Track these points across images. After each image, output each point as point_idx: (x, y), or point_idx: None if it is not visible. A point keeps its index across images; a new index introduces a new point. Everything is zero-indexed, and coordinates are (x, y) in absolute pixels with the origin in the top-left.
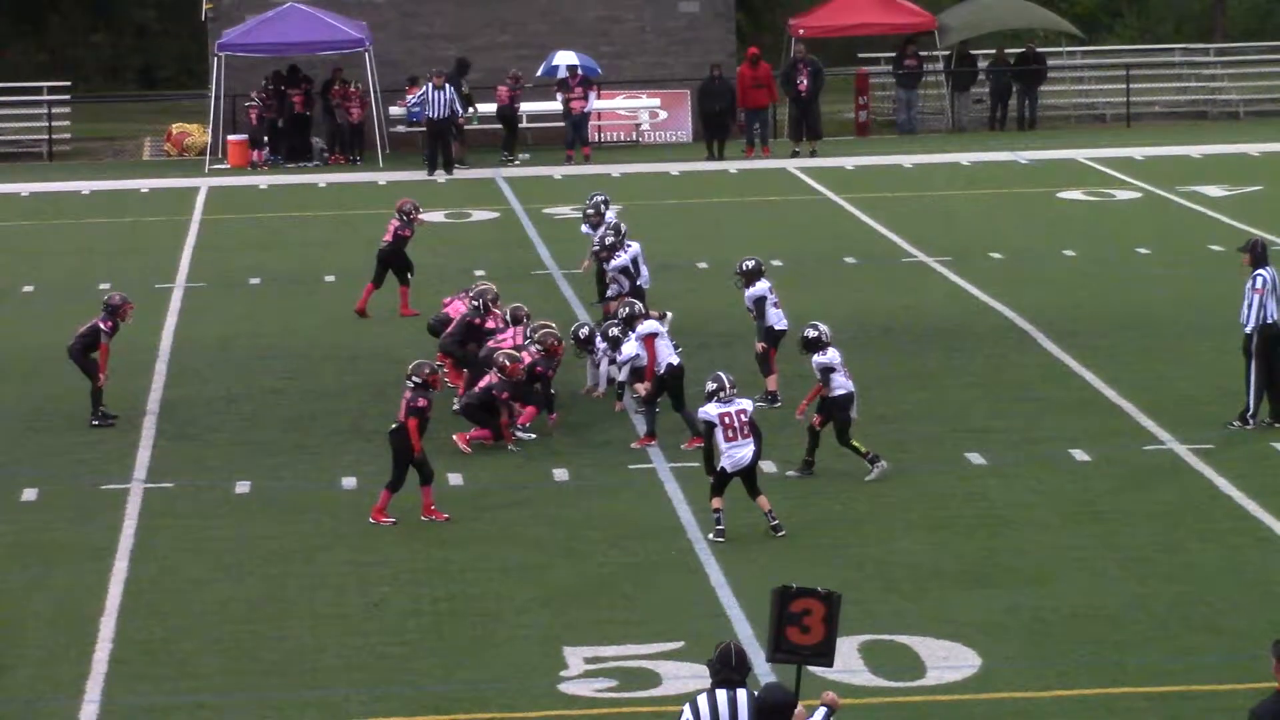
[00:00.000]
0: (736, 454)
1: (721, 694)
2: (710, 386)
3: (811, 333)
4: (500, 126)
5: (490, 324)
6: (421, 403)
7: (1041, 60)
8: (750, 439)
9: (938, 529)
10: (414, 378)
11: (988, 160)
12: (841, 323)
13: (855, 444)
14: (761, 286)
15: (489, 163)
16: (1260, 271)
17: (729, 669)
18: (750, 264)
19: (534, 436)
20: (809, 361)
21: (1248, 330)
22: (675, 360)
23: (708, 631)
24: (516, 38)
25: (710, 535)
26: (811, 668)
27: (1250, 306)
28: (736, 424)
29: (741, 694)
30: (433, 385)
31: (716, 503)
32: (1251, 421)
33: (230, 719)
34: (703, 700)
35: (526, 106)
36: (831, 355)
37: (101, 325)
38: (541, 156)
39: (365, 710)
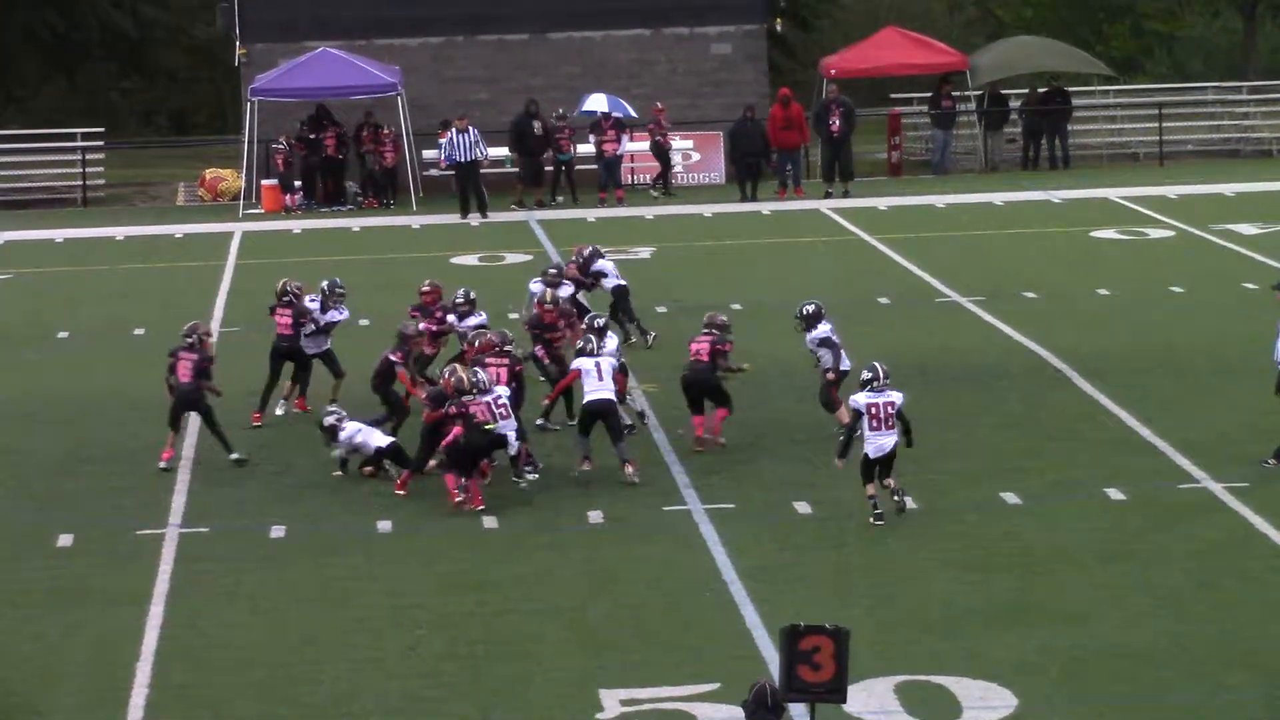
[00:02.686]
0: (879, 441)
1: None
2: (865, 376)
3: (810, 307)
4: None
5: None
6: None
7: (1067, 98)
8: (894, 430)
9: (973, 569)
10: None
11: (1021, 200)
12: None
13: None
14: (824, 329)
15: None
16: None
17: (764, 709)
18: (810, 308)
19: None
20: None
21: None
22: (602, 396)
23: (743, 673)
24: (549, 80)
25: (870, 519)
26: (846, 708)
27: None
28: (883, 415)
29: None
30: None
31: (870, 489)
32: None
33: None
34: None
35: None
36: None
37: (393, 357)
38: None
39: None
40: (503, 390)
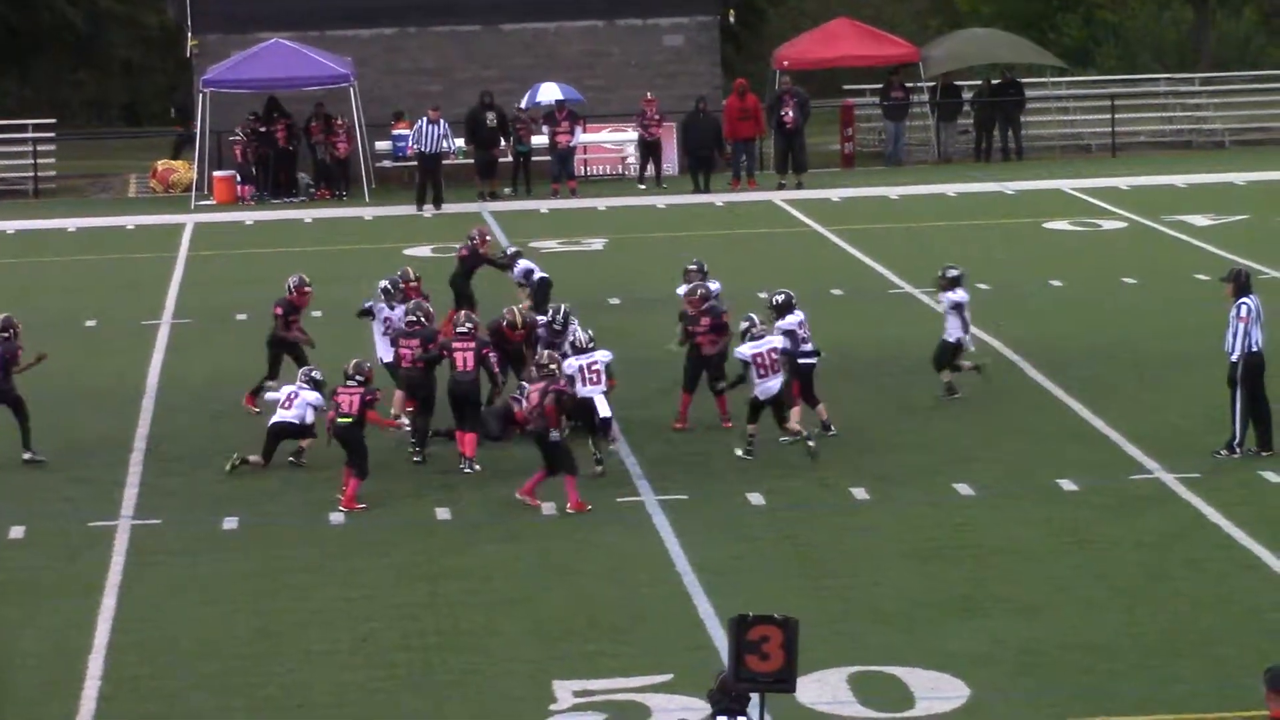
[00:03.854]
0: (766, 385)
1: None
2: (743, 326)
3: (780, 297)
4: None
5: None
6: (370, 398)
7: (1020, 90)
8: (780, 373)
9: (926, 559)
10: (358, 376)
11: (974, 191)
12: (828, 354)
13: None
14: (791, 320)
15: (471, 197)
16: (1244, 300)
17: (729, 698)
18: (781, 297)
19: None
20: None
21: (1233, 359)
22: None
23: (696, 663)
24: (501, 71)
25: (739, 452)
26: (799, 699)
27: (1235, 335)
28: (767, 361)
29: None
30: (369, 379)
31: (751, 428)
32: (1239, 450)
33: None
34: None
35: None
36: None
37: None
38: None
39: None
40: (603, 355)
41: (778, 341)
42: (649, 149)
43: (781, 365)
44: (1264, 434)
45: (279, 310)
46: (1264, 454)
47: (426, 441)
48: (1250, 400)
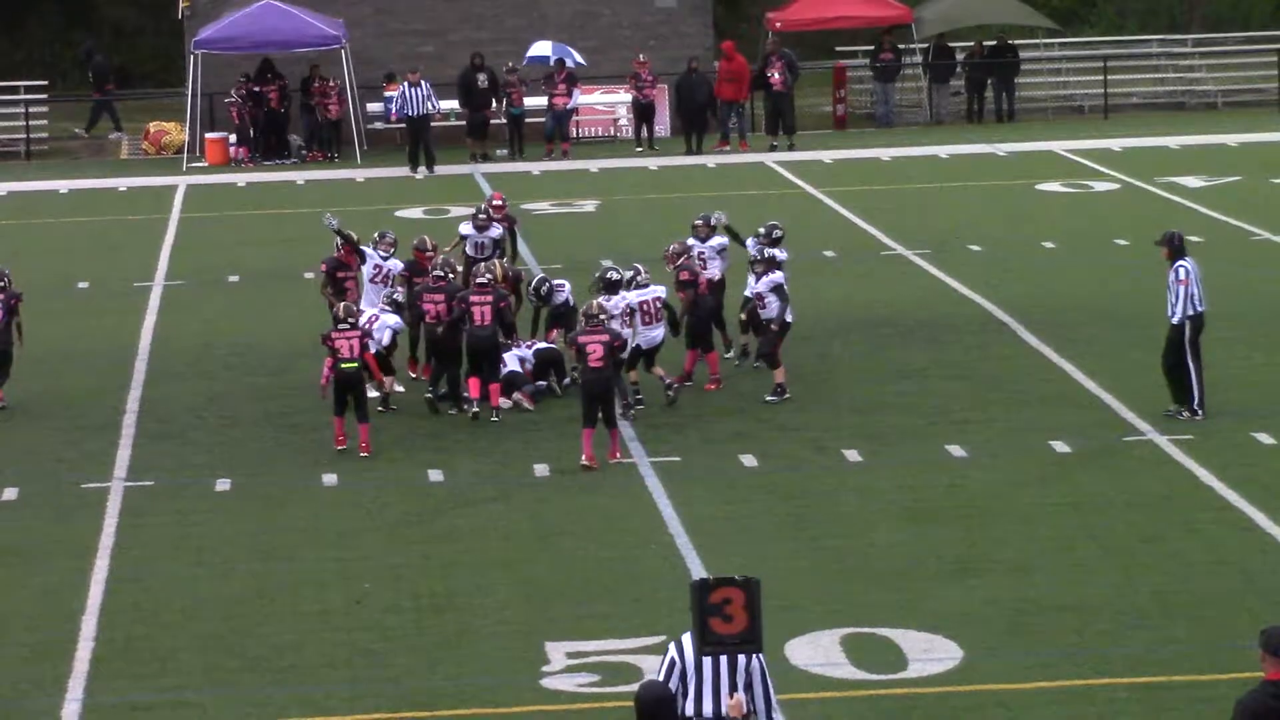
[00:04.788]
0: (650, 334)
1: None
2: (628, 275)
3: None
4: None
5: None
6: (366, 339)
7: (1015, 52)
8: (662, 322)
9: (918, 521)
10: (349, 319)
11: (966, 152)
12: (821, 316)
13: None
14: (777, 275)
15: (463, 159)
16: (1182, 263)
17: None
18: (780, 232)
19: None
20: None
21: (1175, 321)
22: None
23: (688, 625)
24: (493, 33)
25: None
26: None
27: (1177, 299)
28: (652, 309)
29: None
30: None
31: (633, 375)
32: (1201, 412)
33: (211, 716)
34: (686, 638)
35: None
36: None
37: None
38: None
39: (347, 707)
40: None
41: (661, 291)
42: (644, 111)
43: (664, 315)
44: (1192, 395)
45: (406, 273)
46: (1183, 414)
47: (459, 396)
48: (1193, 359)
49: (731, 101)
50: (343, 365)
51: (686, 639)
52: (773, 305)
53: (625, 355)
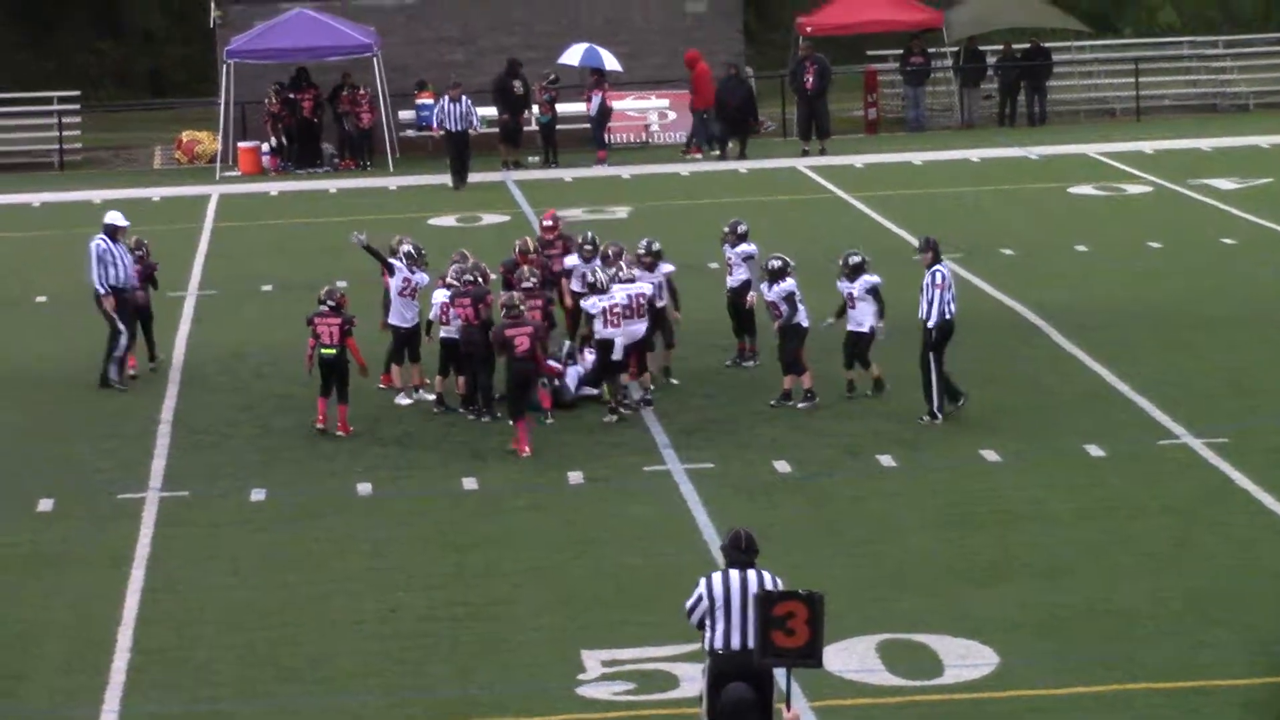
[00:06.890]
0: (631, 329)
1: (734, 573)
2: (608, 274)
3: (775, 263)
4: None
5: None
6: (348, 325)
7: (1047, 55)
8: (645, 318)
9: (952, 526)
10: (329, 302)
11: (998, 156)
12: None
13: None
14: (869, 279)
15: (495, 166)
16: (939, 268)
17: (739, 551)
18: (857, 259)
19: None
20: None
21: (929, 325)
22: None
23: None
24: (525, 40)
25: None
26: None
27: (932, 303)
28: (635, 305)
29: (751, 573)
30: (343, 305)
31: (631, 375)
32: (940, 416)
33: None
34: (716, 577)
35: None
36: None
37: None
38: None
39: (381, 716)
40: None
41: (647, 288)
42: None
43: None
44: (953, 394)
45: (503, 269)
46: (933, 421)
47: (492, 402)
48: (936, 363)
49: (698, 111)
50: (323, 350)
51: (716, 575)
52: (785, 313)
53: (617, 356)
